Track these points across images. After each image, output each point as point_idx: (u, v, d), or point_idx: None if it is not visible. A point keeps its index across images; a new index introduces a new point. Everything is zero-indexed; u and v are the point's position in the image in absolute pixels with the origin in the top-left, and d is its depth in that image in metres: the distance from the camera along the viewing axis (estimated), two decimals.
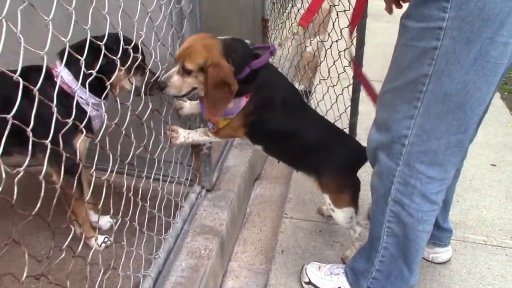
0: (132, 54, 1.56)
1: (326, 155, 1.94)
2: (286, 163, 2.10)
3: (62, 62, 1.71)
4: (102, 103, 1.73)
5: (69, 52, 1.18)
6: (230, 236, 2.39)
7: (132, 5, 1.56)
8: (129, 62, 1.59)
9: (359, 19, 1.62)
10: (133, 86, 1.74)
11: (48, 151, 1.09)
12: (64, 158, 1.20)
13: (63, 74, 1.72)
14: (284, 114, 1.87)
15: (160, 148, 1.92)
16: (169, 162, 2.09)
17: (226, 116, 1.80)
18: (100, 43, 1.34)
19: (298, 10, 3.58)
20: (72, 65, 1.70)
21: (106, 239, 1.76)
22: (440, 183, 1.53)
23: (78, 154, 1.57)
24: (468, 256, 2.21)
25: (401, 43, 1.43)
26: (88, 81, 1.34)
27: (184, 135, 1.94)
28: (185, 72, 1.71)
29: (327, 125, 2.01)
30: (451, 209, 2.13)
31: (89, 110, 1.60)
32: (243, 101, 1.77)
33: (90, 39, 1.29)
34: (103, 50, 1.38)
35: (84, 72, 1.29)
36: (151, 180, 1.90)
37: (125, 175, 1.66)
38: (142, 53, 1.78)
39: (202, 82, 1.72)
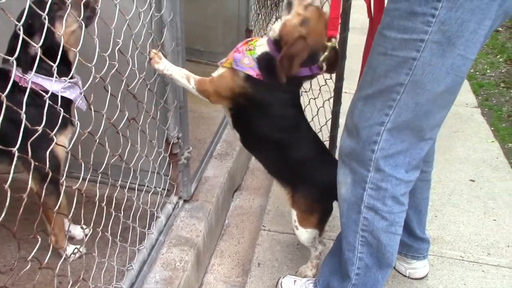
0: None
1: (307, 174, 1.92)
2: (261, 163, 2.06)
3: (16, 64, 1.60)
4: (76, 80, 1.64)
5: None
6: (207, 248, 2.35)
7: (110, 12, 1.54)
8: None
9: None
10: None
11: (13, 158, 1.04)
12: (32, 165, 1.13)
13: (17, 72, 1.56)
14: (276, 125, 1.87)
15: (136, 157, 1.89)
16: (145, 171, 2.06)
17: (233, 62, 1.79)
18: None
19: None
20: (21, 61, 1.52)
21: (75, 250, 1.72)
22: (406, 185, 1.58)
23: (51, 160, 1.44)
24: (445, 271, 2.21)
25: (378, 52, 1.44)
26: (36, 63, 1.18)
27: (165, 65, 1.86)
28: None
29: (318, 146, 1.97)
30: (429, 224, 2.13)
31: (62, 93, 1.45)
32: (252, 71, 1.76)
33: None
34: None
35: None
36: (126, 190, 1.87)
37: (97, 184, 1.62)
38: None
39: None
